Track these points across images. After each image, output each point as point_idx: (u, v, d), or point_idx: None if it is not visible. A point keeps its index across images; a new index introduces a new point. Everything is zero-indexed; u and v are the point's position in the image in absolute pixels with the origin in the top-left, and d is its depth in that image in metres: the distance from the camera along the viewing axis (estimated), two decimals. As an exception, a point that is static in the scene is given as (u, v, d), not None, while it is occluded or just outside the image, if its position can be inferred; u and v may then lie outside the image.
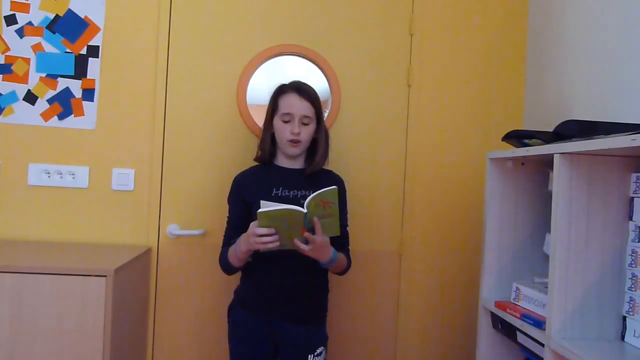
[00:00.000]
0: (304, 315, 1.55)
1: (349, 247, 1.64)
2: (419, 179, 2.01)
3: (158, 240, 1.88)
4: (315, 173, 1.59)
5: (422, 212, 2.01)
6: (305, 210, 1.30)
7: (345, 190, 1.66)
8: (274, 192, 1.54)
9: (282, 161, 1.61)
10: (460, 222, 2.03)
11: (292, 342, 1.53)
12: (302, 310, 1.54)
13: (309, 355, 1.53)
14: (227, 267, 1.55)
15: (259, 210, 1.28)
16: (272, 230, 1.33)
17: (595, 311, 1.18)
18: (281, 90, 1.58)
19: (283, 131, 1.54)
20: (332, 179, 1.63)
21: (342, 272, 1.61)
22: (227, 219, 1.62)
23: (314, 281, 1.57)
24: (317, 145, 1.60)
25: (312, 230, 1.35)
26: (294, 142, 1.53)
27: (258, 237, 1.33)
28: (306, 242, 1.35)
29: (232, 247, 1.50)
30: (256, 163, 1.64)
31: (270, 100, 1.60)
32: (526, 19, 2.07)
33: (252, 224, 1.37)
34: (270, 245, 1.34)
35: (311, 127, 1.56)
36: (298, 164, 1.61)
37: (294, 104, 1.53)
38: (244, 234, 1.42)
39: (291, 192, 1.54)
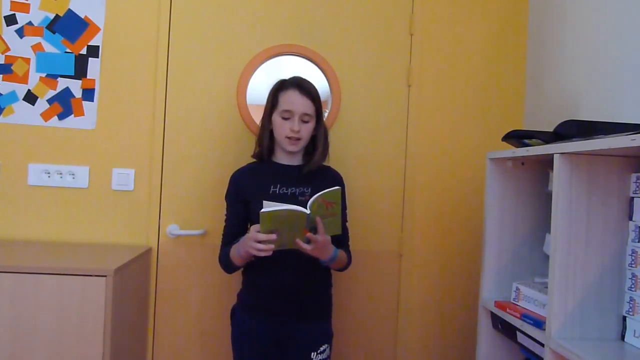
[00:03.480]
0: (307, 313, 1.54)
1: (350, 243, 1.64)
2: (419, 178, 2.01)
3: (158, 240, 1.88)
4: (313, 169, 1.57)
5: (422, 212, 2.01)
6: (308, 212, 1.29)
7: (344, 185, 1.64)
8: (272, 189, 1.52)
9: (280, 157, 1.59)
10: (460, 222, 2.03)
11: (295, 341, 1.52)
12: (304, 308, 1.53)
13: (312, 353, 1.51)
14: (228, 266, 1.54)
15: (262, 211, 1.27)
16: (273, 236, 1.32)
17: (595, 311, 1.18)
18: (281, 86, 1.54)
19: (282, 128, 1.51)
20: (330, 175, 1.62)
21: (342, 269, 1.60)
22: (225, 217, 1.61)
23: (315, 278, 1.56)
24: (316, 142, 1.58)
25: (314, 230, 1.34)
26: (293, 139, 1.52)
27: (256, 242, 1.33)
28: (308, 241, 1.35)
29: (235, 246, 1.48)
30: (253, 160, 1.63)
31: (270, 95, 1.56)
32: (526, 19, 2.07)
33: (252, 227, 1.36)
34: (263, 254, 1.34)
35: (311, 125, 1.54)
36: (296, 161, 1.59)
37: (295, 101, 1.50)
38: (246, 236, 1.40)
39: (289, 190, 1.52)
